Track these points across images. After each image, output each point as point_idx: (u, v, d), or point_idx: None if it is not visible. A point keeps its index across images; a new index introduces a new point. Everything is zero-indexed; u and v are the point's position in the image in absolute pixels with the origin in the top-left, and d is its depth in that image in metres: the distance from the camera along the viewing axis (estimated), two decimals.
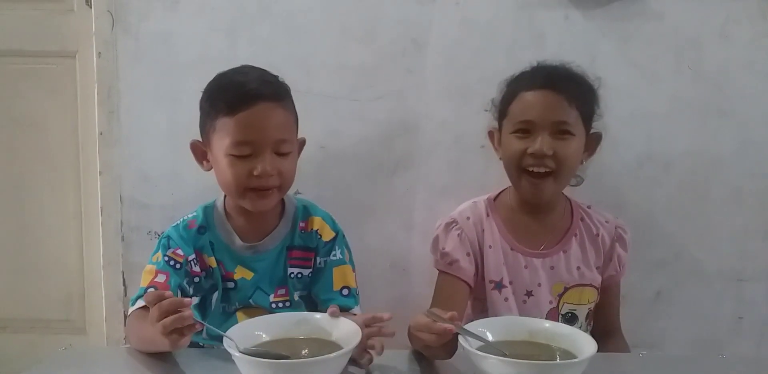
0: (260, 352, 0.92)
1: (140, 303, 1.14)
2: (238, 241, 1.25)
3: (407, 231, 1.62)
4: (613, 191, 1.57)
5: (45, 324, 1.89)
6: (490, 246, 1.29)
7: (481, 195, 1.39)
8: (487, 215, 1.32)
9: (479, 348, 0.93)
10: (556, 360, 0.93)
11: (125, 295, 1.72)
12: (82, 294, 1.86)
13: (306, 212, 1.29)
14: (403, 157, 1.60)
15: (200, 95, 1.26)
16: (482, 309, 1.31)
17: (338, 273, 1.24)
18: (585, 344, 0.93)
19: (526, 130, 1.22)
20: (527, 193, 1.26)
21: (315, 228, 1.27)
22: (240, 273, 1.25)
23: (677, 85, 1.55)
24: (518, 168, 1.23)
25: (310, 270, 1.27)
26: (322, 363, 0.86)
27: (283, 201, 1.29)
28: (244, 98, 1.15)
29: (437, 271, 1.34)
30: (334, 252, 1.25)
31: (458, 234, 1.30)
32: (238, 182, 1.16)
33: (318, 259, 1.26)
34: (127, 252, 1.71)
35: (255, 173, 1.14)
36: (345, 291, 1.22)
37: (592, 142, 1.28)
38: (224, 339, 0.91)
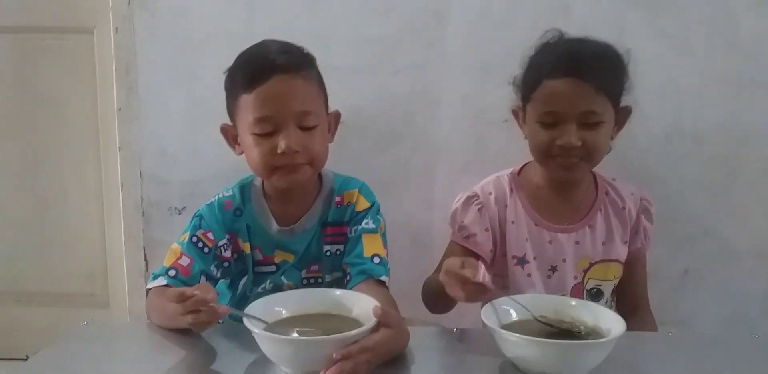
0: (281, 330, 0.91)
1: (162, 280, 1.13)
2: (274, 225, 1.21)
3: (428, 208, 1.60)
4: (640, 166, 1.53)
5: (69, 298, 1.93)
6: (512, 222, 1.27)
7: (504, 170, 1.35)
8: (511, 191, 1.29)
9: (504, 327, 0.91)
10: (582, 340, 0.91)
11: (146, 270, 1.73)
12: (104, 269, 1.88)
13: (342, 186, 1.24)
14: (424, 132, 1.57)
15: (218, 70, 1.23)
16: (503, 285, 1.29)
17: (369, 241, 1.18)
18: (613, 323, 0.90)
19: (552, 121, 1.17)
20: (557, 176, 1.23)
21: (350, 201, 1.23)
22: (280, 256, 1.22)
23: (709, 56, 1.49)
24: (546, 156, 1.20)
25: (344, 245, 1.23)
26: (343, 342, 0.84)
27: (320, 179, 1.26)
28: (260, 71, 1.10)
29: None
30: (366, 221, 1.20)
31: (478, 209, 1.27)
32: (264, 161, 1.12)
33: (350, 229, 1.21)
34: (148, 228, 1.71)
35: (279, 151, 1.09)
36: (376, 259, 1.15)
37: (622, 116, 1.23)
38: (244, 319, 0.90)
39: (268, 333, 0.86)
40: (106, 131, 1.75)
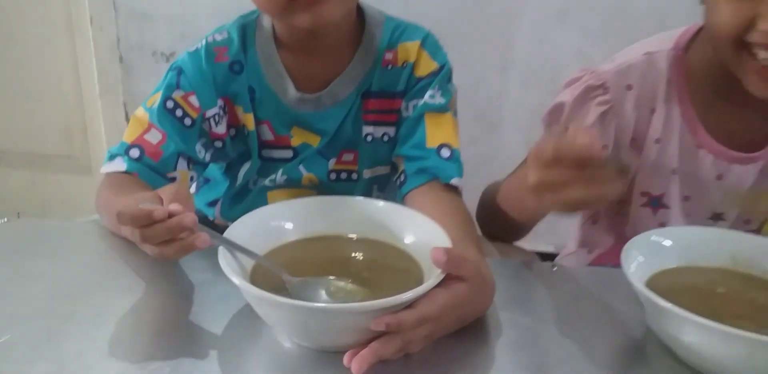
0: (278, 270, 0.55)
1: (120, 163, 0.76)
2: (292, 90, 0.81)
3: (502, 71, 1.30)
4: None
5: (45, 159, 1.75)
6: (657, 140, 0.79)
7: (652, 38, 0.82)
8: (668, 83, 0.79)
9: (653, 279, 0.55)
10: None
11: None
12: (83, 126, 1.68)
13: (397, 37, 0.84)
14: None
15: None
16: (619, 223, 0.86)
17: (435, 123, 0.82)
18: None
19: None
20: (754, 87, 0.73)
21: (407, 60, 0.84)
22: (300, 138, 0.83)
23: None
24: (738, 48, 0.69)
25: (394, 129, 0.85)
26: (388, 309, 0.49)
27: (362, 21, 0.83)
28: None
29: (540, 130, 0.89)
30: (432, 93, 0.82)
31: (602, 112, 0.78)
32: None
33: (406, 104, 0.84)
34: (128, 78, 1.47)
35: None
36: (445, 152, 0.80)
37: None
38: (220, 251, 0.54)
39: (255, 288, 0.49)
40: None
